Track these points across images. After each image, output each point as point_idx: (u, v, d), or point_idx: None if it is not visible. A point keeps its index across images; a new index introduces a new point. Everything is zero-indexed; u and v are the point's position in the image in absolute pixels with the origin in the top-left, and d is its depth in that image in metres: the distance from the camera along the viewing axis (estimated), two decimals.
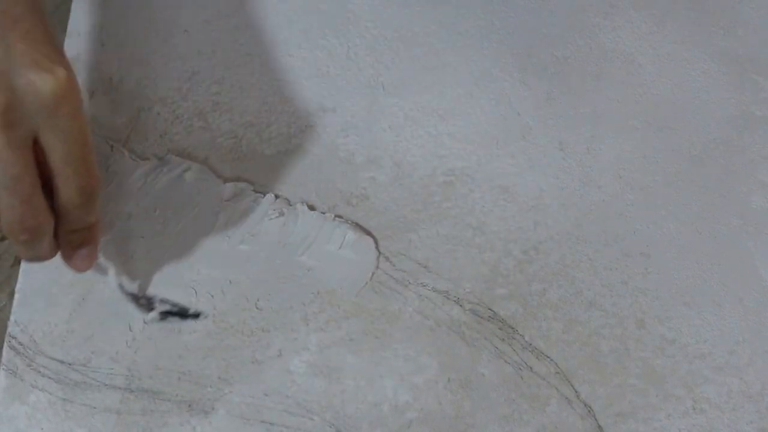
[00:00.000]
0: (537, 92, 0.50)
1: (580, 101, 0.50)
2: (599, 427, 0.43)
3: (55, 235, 0.37)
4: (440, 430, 0.42)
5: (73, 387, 0.42)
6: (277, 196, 0.46)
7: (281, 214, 0.46)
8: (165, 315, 0.43)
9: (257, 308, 0.44)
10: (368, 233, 0.46)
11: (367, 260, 0.45)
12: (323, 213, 0.46)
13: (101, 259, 0.42)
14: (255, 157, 0.47)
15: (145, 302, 0.43)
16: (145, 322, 0.43)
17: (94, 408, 0.42)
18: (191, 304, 0.44)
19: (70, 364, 0.43)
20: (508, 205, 0.47)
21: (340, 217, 0.46)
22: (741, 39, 0.52)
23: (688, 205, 0.48)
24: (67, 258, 0.39)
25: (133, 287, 0.44)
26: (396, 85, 0.50)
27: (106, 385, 0.42)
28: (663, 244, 0.47)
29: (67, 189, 0.35)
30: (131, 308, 0.43)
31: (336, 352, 0.43)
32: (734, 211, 0.48)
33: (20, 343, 0.43)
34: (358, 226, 0.46)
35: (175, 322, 0.43)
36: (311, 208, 0.46)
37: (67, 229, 0.37)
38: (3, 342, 0.43)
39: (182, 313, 0.43)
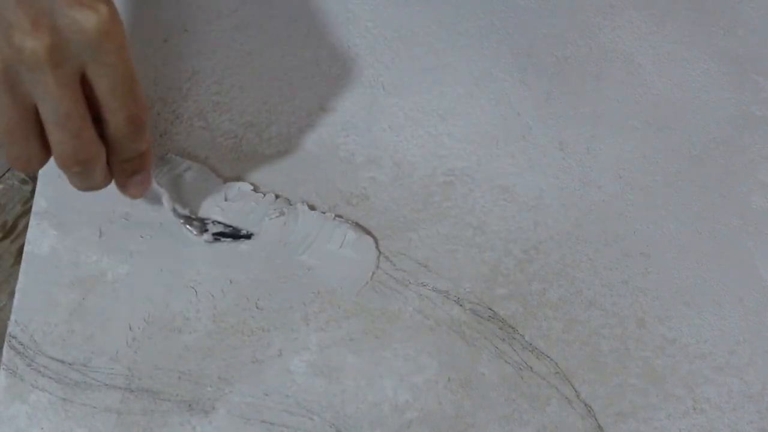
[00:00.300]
0: (537, 92, 0.50)
1: (580, 101, 0.50)
2: (599, 426, 0.43)
3: (109, 164, 0.38)
4: (440, 430, 0.42)
5: (73, 387, 0.42)
6: (277, 196, 0.46)
7: (281, 213, 0.46)
8: (218, 236, 0.44)
9: (257, 308, 0.44)
10: (368, 233, 0.46)
11: (367, 260, 0.45)
12: (323, 213, 0.46)
13: (155, 185, 0.43)
14: (255, 157, 0.47)
15: (198, 224, 0.44)
16: (205, 241, 0.44)
17: (94, 408, 0.42)
18: (243, 226, 0.45)
19: (70, 364, 0.43)
20: (508, 205, 0.47)
21: (340, 216, 0.46)
22: (741, 39, 0.52)
23: (688, 205, 0.48)
24: (121, 186, 0.40)
25: (186, 210, 0.44)
26: (396, 85, 0.50)
27: (107, 385, 0.42)
28: (663, 244, 0.47)
29: (115, 120, 0.36)
30: (185, 231, 0.44)
31: (336, 352, 0.43)
32: (734, 211, 0.48)
33: (20, 343, 0.43)
34: (359, 226, 0.46)
35: (228, 243, 0.44)
36: (311, 207, 0.46)
37: (119, 158, 0.38)
38: (3, 342, 0.43)
39: (235, 234, 0.44)
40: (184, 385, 0.43)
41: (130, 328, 0.43)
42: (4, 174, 0.49)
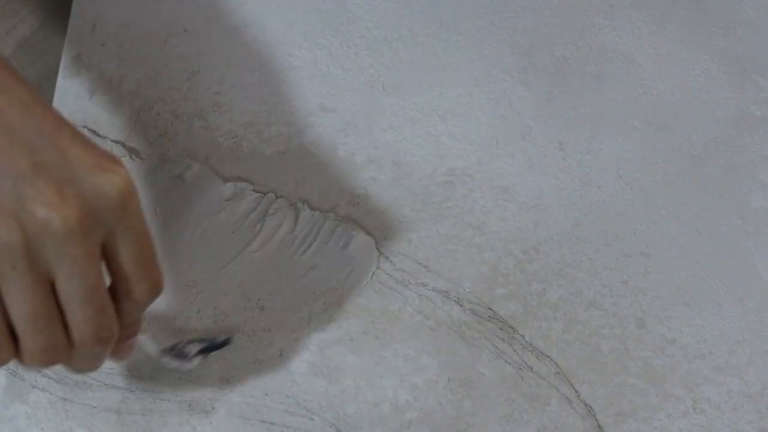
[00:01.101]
0: (537, 92, 0.50)
1: (580, 101, 0.50)
2: (599, 426, 0.43)
3: None
4: (440, 430, 0.42)
5: (74, 387, 0.42)
6: (277, 196, 0.46)
7: (281, 214, 0.46)
8: (204, 354, 0.42)
9: (258, 308, 0.44)
10: (368, 233, 0.46)
11: (367, 260, 0.45)
12: (324, 213, 0.46)
13: (141, 338, 0.40)
14: (255, 157, 0.47)
15: (179, 353, 0.42)
16: (195, 366, 0.42)
17: (95, 408, 0.42)
18: (212, 329, 0.43)
19: None
20: (508, 205, 0.47)
21: (340, 216, 0.46)
22: (741, 39, 0.52)
23: (688, 205, 0.48)
24: (114, 353, 0.37)
25: (163, 345, 0.42)
26: (396, 85, 0.50)
27: (107, 384, 0.42)
28: (663, 244, 0.47)
29: (138, 290, 0.33)
30: (174, 366, 0.42)
31: (336, 352, 0.43)
32: (734, 211, 0.48)
33: None
34: (359, 226, 0.46)
35: (216, 354, 0.43)
36: (311, 208, 0.46)
37: (122, 325, 0.35)
38: None
39: (214, 345, 0.43)
40: (184, 385, 0.43)
41: None
42: None
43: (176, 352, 0.42)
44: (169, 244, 0.45)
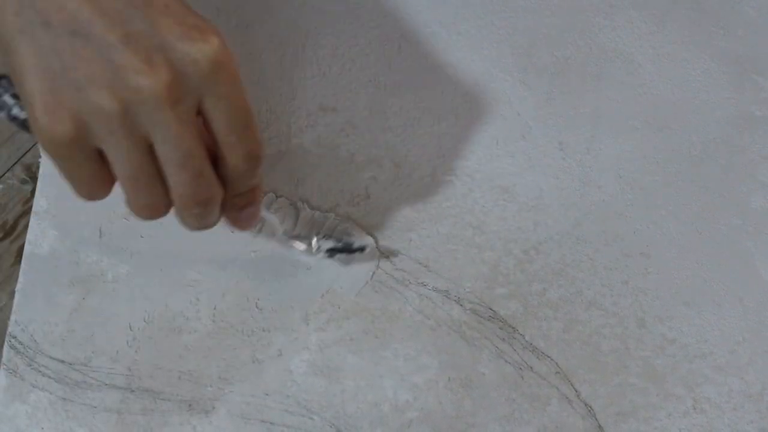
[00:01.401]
0: (537, 92, 0.50)
1: (580, 101, 0.50)
2: (600, 426, 0.43)
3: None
4: (440, 430, 0.42)
5: (74, 387, 0.42)
6: (277, 196, 0.46)
7: (281, 214, 0.46)
8: (332, 252, 0.44)
9: (257, 308, 0.44)
10: (368, 233, 0.46)
11: (367, 260, 0.45)
12: (324, 213, 0.46)
13: (264, 213, 0.41)
14: None
15: (307, 241, 0.44)
16: (320, 258, 0.44)
17: (95, 408, 0.42)
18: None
19: (70, 364, 0.43)
20: (508, 205, 0.47)
21: (340, 216, 0.46)
22: (741, 39, 0.52)
23: (688, 205, 0.48)
24: (233, 220, 0.38)
25: (297, 230, 0.44)
26: (396, 85, 0.50)
27: (107, 384, 0.42)
28: (663, 244, 0.47)
29: (233, 157, 0.34)
30: (297, 250, 0.43)
31: (336, 352, 0.43)
32: (734, 211, 0.48)
33: (20, 343, 0.43)
34: (359, 226, 0.46)
35: (342, 258, 0.44)
36: (311, 207, 0.46)
37: (232, 193, 0.36)
38: (3, 342, 0.43)
39: (348, 249, 0.44)
40: (184, 384, 0.43)
41: (130, 328, 0.43)
42: (4, 174, 0.49)
43: (307, 241, 0.43)
44: (168, 243, 0.45)
